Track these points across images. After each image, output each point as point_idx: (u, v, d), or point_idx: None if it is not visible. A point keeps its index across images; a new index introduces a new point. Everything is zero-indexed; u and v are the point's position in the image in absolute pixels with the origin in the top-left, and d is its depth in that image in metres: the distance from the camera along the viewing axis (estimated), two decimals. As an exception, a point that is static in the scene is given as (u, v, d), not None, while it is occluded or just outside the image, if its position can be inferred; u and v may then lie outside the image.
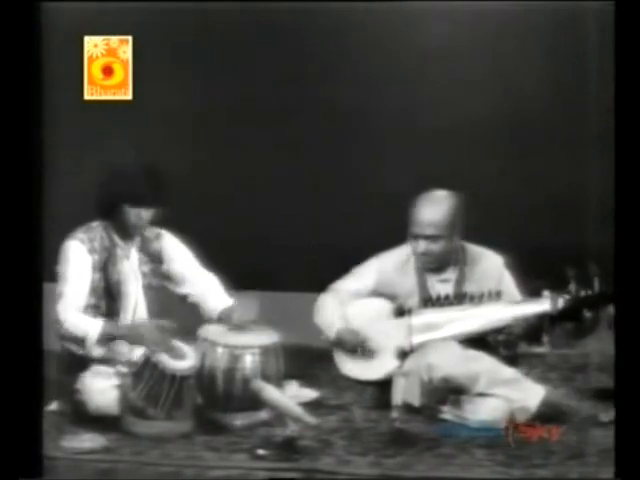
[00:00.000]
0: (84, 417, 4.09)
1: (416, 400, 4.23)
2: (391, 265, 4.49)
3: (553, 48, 5.40)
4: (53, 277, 4.23)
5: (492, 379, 4.20)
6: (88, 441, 3.89)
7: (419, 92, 5.48)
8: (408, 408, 4.14)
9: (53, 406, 4.18)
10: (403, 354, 4.36)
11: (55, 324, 4.15)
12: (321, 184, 5.62)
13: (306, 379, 4.59)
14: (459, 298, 4.37)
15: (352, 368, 4.47)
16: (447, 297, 4.38)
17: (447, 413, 4.26)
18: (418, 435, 4.05)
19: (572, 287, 4.25)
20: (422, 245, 4.36)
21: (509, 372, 4.26)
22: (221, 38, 5.53)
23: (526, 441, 3.97)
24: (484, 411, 4.18)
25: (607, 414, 4.19)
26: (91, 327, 4.16)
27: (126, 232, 4.31)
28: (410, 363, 4.31)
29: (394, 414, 4.03)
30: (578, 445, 3.98)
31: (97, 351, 4.19)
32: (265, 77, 5.54)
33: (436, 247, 4.36)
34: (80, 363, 4.19)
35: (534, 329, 4.34)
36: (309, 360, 4.85)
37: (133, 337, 4.17)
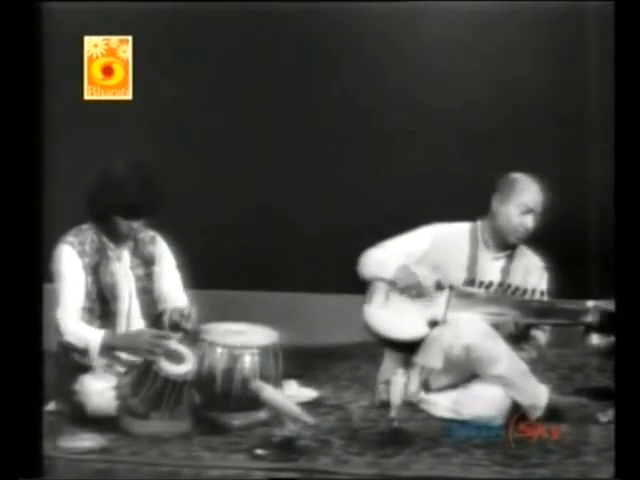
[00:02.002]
0: (83, 418, 4.09)
1: (438, 363, 4.27)
2: (447, 235, 4.53)
3: (553, 48, 5.40)
4: (53, 278, 4.23)
5: (511, 364, 4.22)
6: (87, 441, 3.89)
7: (419, 92, 5.49)
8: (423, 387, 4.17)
9: (51, 406, 4.18)
10: (434, 324, 4.38)
11: (56, 334, 4.16)
12: (322, 184, 5.63)
13: (305, 379, 4.60)
14: (503, 288, 4.39)
15: (382, 324, 4.47)
16: (491, 284, 4.40)
17: (445, 410, 4.27)
18: (416, 434, 4.06)
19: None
20: (531, 219, 4.44)
21: (523, 365, 4.28)
22: (221, 38, 5.54)
23: (525, 441, 3.98)
24: (482, 407, 4.19)
25: (605, 414, 4.20)
26: (92, 338, 4.14)
27: (117, 237, 4.30)
28: (435, 331, 4.35)
29: (393, 413, 4.03)
30: (577, 445, 3.99)
31: (99, 362, 4.18)
32: (266, 77, 5.55)
33: (535, 225, 4.45)
34: (79, 365, 4.19)
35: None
36: (308, 360, 4.86)
37: (132, 347, 4.16)
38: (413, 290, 4.43)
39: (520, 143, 5.49)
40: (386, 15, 5.44)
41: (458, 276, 4.46)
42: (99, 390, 4.11)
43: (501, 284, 4.42)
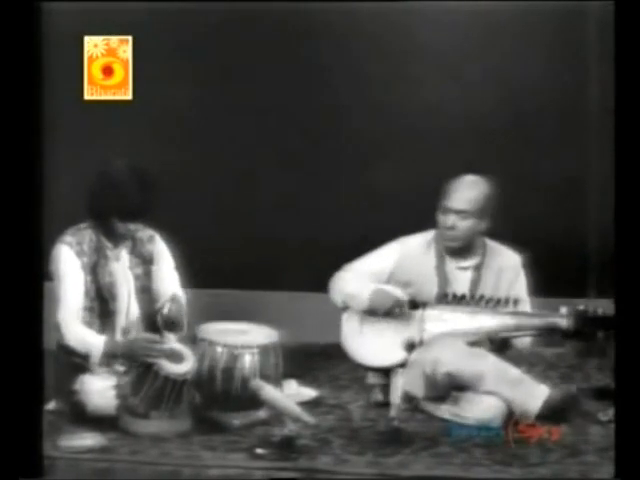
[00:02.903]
0: (83, 417, 4.09)
1: (420, 391, 4.26)
2: (413, 247, 4.52)
3: (553, 48, 5.40)
4: (51, 278, 4.23)
5: (497, 378, 4.21)
6: (87, 440, 3.89)
7: (419, 91, 5.49)
8: (408, 403, 4.15)
9: (51, 406, 4.19)
10: (411, 346, 4.37)
11: (57, 335, 4.16)
12: (321, 184, 5.63)
13: (305, 378, 4.60)
14: (475, 299, 4.38)
15: (360, 353, 4.47)
16: (463, 297, 4.39)
17: (445, 411, 4.27)
18: (416, 434, 4.06)
19: (590, 306, 4.25)
20: (451, 219, 4.40)
21: (514, 372, 4.27)
22: (221, 38, 5.54)
23: (525, 441, 3.98)
24: (481, 409, 4.19)
25: (606, 413, 4.20)
26: (94, 345, 4.14)
27: (115, 238, 4.30)
28: (416, 354, 4.33)
29: (392, 413, 4.03)
30: (577, 444, 3.99)
31: (99, 369, 4.18)
32: (265, 76, 5.55)
33: (463, 224, 4.41)
34: (78, 364, 4.19)
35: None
36: (308, 359, 4.86)
37: (131, 354, 4.15)
38: (395, 310, 4.41)
39: (519, 143, 5.49)
40: (385, 15, 5.44)
41: (430, 291, 4.43)
42: (99, 389, 4.11)
43: (472, 296, 4.39)
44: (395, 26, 5.48)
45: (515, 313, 4.34)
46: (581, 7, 4.98)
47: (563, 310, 4.28)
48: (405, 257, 4.50)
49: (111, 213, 4.21)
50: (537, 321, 4.32)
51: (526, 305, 4.44)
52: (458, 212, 4.40)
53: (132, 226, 4.25)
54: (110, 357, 4.16)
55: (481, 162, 5.38)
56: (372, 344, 4.45)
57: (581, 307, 4.25)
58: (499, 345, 4.33)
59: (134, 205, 4.18)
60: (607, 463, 3.69)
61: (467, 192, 4.41)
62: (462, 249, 4.46)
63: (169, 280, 4.41)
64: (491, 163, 5.41)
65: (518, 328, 4.33)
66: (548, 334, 4.35)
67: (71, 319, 4.17)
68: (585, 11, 4.90)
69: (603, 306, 4.18)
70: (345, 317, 4.52)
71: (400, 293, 4.41)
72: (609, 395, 3.93)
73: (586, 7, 4.90)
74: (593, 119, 4.88)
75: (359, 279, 4.46)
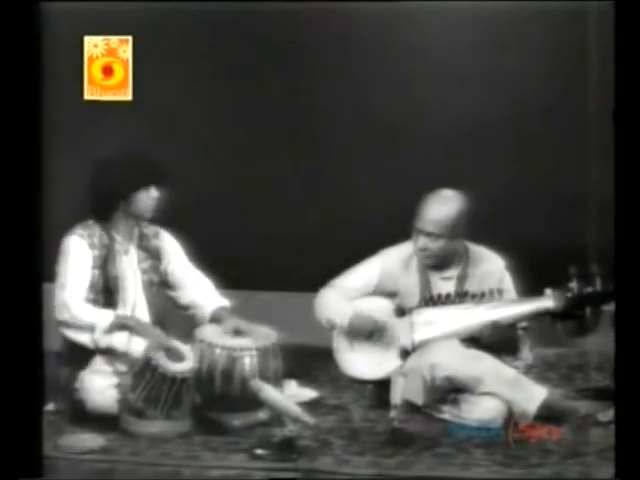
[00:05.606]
0: (83, 417, 4.10)
1: (419, 399, 4.25)
2: (394, 261, 4.51)
3: (553, 48, 5.40)
4: (53, 277, 4.23)
5: (496, 379, 4.21)
6: (87, 441, 3.90)
7: (420, 92, 5.49)
8: (407, 407, 4.15)
9: (51, 406, 4.19)
10: (405, 353, 4.37)
11: (59, 310, 4.16)
12: (322, 183, 5.63)
13: (305, 379, 4.60)
14: (460, 296, 4.38)
15: (354, 367, 4.48)
16: (449, 296, 4.39)
17: (445, 412, 4.27)
18: (416, 435, 4.06)
19: (574, 285, 4.26)
20: (421, 241, 4.39)
21: (511, 372, 4.27)
22: (221, 38, 5.54)
23: (525, 441, 3.98)
24: (482, 410, 4.19)
25: (605, 414, 4.20)
26: (100, 316, 4.16)
27: (123, 225, 4.32)
28: (412, 362, 4.32)
29: (393, 414, 4.03)
30: (577, 445, 3.99)
31: (103, 340, 4.18)
32: (265, 76, 5.55)
33: (435, 245, 4.39)
34: (79, 361, 4.20)
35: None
36: (308, 360, 4.86)
37: (140, 331, 4.17)
38: (375, 334, 4.40)
39: (520, 143, 5.49)
40: (385, 15, 5.44)
41: (415, 301, 4.43)
42: (99, 388, 4.12)
43: (458, 294, 4.39)
44: (395, 26, 5.48)
45: (501, 303, 4.34)
46: (581, 7, 4.97)
47: (548, 292, 4.29)
48: (388, 270, 4.49)
49: (114, 186, 4.24)
50: (525, 307, 4.33)
51: (512, 295, 4.44)
52: (428, 234, 4.38)
53: (154, 192, 4.27)
54: (119, 328, 4.17)
55: (481, 163, 5.39)
56: (364, 358, 4.45)
57: (567, 285, 4.26)
58: (491, 338, 4.32)
59: (150, 168, 4.26)
60: (607, 463, 3.69)
61: (436, 212, 4.37)
62: (442, 263, 4.46)
63: (185, 269, 4.45)
64: (491, 163, 5.43)
65: (507, 318, 4.33)
66: (537, 318, 4.35)
67: (75, 296, 4.18)
68: (585, 11, 4.89)
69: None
70: (335, 333, 4.51)
71: (384, 305, 4.41)
72: (609, 396, 3.93)
73: (586, 7, 4.89)
74: (593, 119, 4.87)
75: (340, 301, 4.46)
